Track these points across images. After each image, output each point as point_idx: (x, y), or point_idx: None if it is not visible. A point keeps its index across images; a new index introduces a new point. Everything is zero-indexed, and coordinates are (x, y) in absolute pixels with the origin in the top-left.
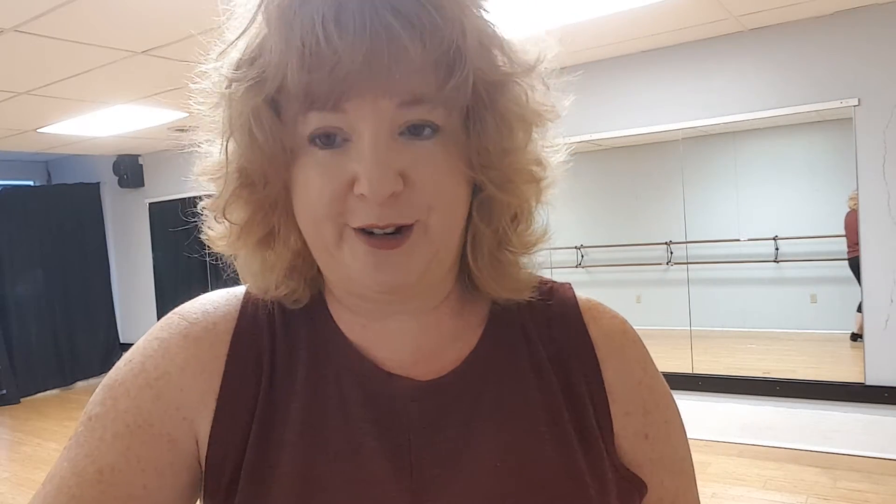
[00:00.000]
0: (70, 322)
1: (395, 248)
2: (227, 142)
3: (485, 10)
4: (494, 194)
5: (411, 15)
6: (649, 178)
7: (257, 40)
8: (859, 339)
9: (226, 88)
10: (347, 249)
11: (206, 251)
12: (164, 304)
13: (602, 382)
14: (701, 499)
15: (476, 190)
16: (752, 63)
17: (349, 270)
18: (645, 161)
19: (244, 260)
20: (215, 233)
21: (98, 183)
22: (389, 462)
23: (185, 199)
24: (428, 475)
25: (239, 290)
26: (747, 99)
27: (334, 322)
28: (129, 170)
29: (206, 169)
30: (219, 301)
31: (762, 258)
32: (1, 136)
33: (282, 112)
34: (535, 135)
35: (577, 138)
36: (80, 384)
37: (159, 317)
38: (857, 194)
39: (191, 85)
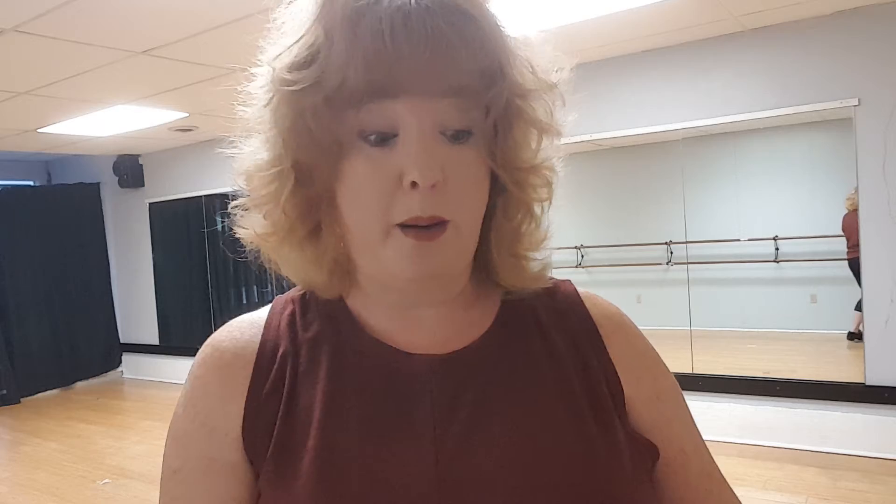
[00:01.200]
0: (70, 322)
1: (433, 240)
2: (283, 138)
3: (516, 30)
4: (515, 194)
5: (464, 30)
6: (649, 178)
7: (314, 46)
8: (856, 339)
9: (282, 86)
10: (391, 244)
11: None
12: (164, 304)
13: (609, 357)
14: None
15: (500, 189)
16: (752, 63)
17: (390, 263)
18: (645, 161)
19: (288, 255)
20: (259, 229)
21: (98, 183)
22: (412, 433)
23: (185, 199)
24: (450, 442)
25: (263, 310)
26: (747, 99)
27: (354, 316)
28: (129, 170)
29: (255, 166)
30: (244, 322)
31: (762, 258)
32: (1, 136)
33: (336, 110)
34: (549, 143)
35: (578, 138)
36: (80, 384)
37: (159, 317)
38: (856, 195)
39: (237, 87)
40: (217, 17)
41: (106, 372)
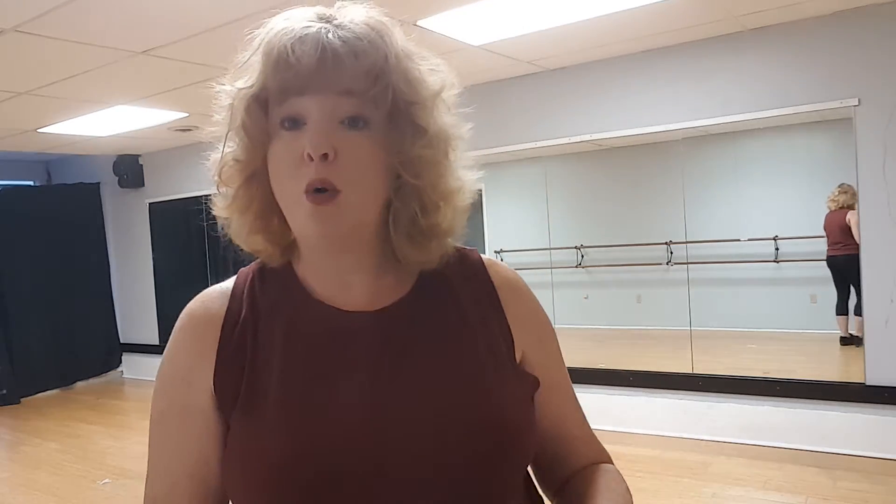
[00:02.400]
0: (70, 322)
1: (326, 205)
2: (228, 134)
3: (410, 53)
4: (407, 181)
5: (349, 40)
6: (649, 178)
7: (249, 63)
8: (851, 344)
9: (232, 92)
10: (299, 209)
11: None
12: (164, 304)
13: (504, 314)
14: (701, 499)
15: (397, 178)
16: (752, 63)
17: (300, 224)
18: (645, 161)
19: (238, 227)
20: (220, 206)
21: (98, 183)
22: (351, 373)
23: (185, 199)
24: (380, 378)
25: (230, 281)
26: (747, 99)
27: (301, 282)
28: (129, 170)
29: (215, 158)
30: (214, 291)
31: (762, 258)
32: (1, 136)
33: (262, 106)
34: (447, 148)
35: (578, 138)
36: (80, 384)
37: (159, 317)
38: (839, 194)
39: (214, 104)
40: (217, 17)
41: (106, 372)
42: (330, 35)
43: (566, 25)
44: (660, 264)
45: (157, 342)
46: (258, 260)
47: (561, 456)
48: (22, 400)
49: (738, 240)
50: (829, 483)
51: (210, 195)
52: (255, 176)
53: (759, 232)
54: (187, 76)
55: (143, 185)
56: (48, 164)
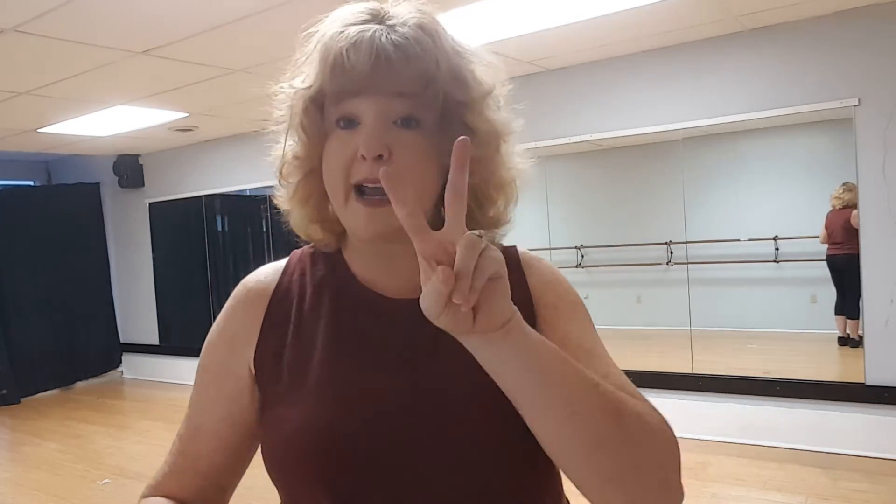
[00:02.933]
0: (70, 322)
1: (378, 207)
2: (289, 131)
3: (461, 52)
4: None
5: (401, 45)
6: (649, 178)
7: (307, 66)
8: (850, 345)
9: (291, 93)
10: (350, 207)
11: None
12: (164, 304)
13: (528, 286)
14: (701, 499)
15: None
16: (752, 63)
17: (350, 223)
18: (645, 161)
19: (297, 216)
20: (280, 196)
21: (98, 183)
22: (392, 358)
23: (185, 199)
24: (420, 364)
25: (284, 260)
26: (747, 99)
27: (348, 267)
28: (129, 170)
29: (277, 154)
30: (269, 267)
31: (762, 258)
32: (1, 136)
33: (318, 107)
34: (498, 144)
35: (578, 138)
36: (80, 384)
37: (159, 317)
38: (841, 192)
39: (274, 101)
40: (217, 17)
41: (106, 372)
42: (383, 39)
43: (566, 25)
44: (660, 264)
45: (156, 342)
46: (311, 244)
47: None
48: (22, 400)
49: (738, 240)
50: (829, 483)
51: (209, 195)
52: (313, 171)
53: (759, 232)
54: (187, 76)
55: (143, 185)
56: (48, 164)
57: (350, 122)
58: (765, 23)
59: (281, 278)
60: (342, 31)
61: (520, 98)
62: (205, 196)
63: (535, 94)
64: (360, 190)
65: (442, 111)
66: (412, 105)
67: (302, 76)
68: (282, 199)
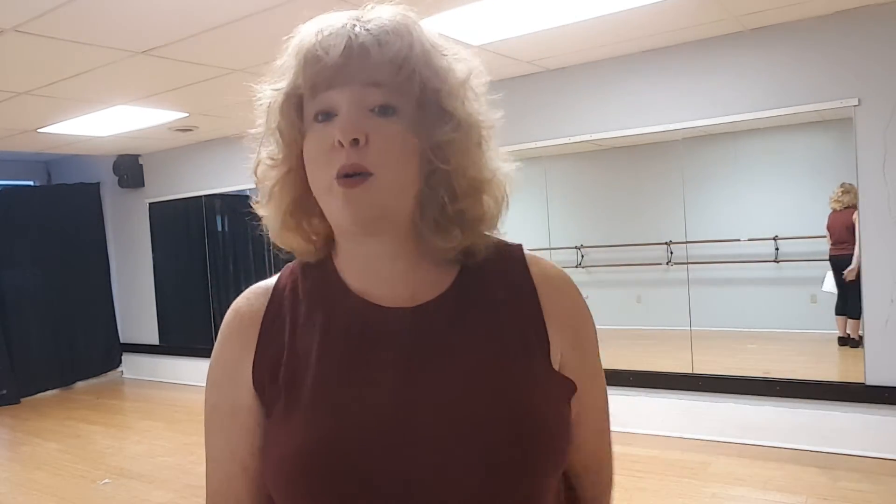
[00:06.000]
0: (70, 322)
1: (356, 187)
2: (265, 133)
3: (436, 45)
4: (437, 167)
5: (373, 30)
6: (649, 178)
7: (283, 66)
8: (850, 345)
9: (269, 93)
10: (333, 196)
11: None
12: (164, 304)
13: (541, 310)
14: (701, 499)
15: (428, 165)
16: (752, 63)
17: (334, 211)
18: (645, 161)
19: (271, 220)
20: (259, 203)
21: (98, 183)
22: (385, 368)
23: (185, 199)
24: (412, 375)
25: (274, 277)
26: (747, 99)
27: (340, 278)
28: (129, 170)
29: (256, 159)
30: (258, 288)
31: (762, 258)
32: (1, 136)
33: (294, 104)
34: (477, 135)
35: (578, 138)
36: (80, 384)
37: (159, 317)
38: (840, 195)
39: (254, 108)
40: (217, 17)
41: (106, 372)
42: (357, 28)
43: (566, 25)
44: (660, 264)
45: (156, 342)
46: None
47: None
48: (22, 400)
49: (738, 240)
50: (829, 483)
51: (209, 195)
52: (290, 174)
53: (759, 232)
54: (187, 76)
55: (143, 185)
56: (48, 164)
57: (327, 116)
58: (765, 23)
59: (272, 297)
60: (317, 29)
61: (520, 98)
62: (205, 196)
63: (535, 94)
64: (339, 177)
65: (419, 100)
66: (388, 93)
67: (279, 80)
68: (258, 206)
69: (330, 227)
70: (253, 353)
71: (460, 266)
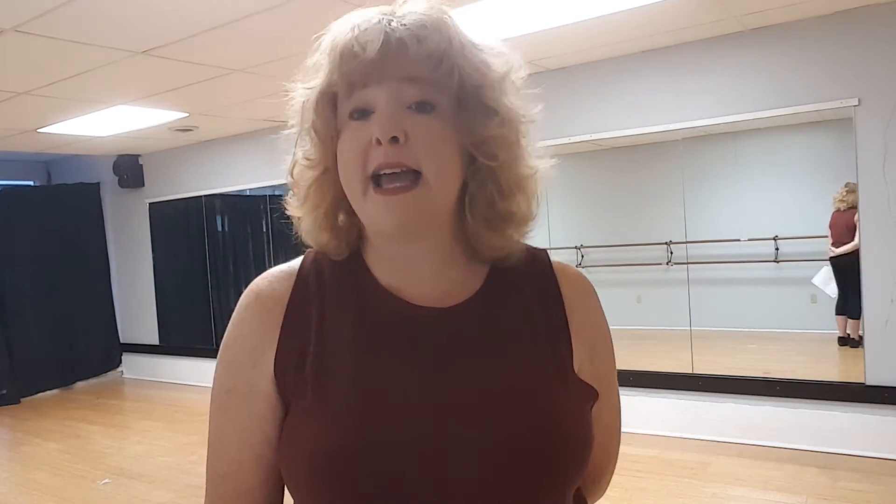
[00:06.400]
0: (70, 322)
1: (398, 195)
2: (300, 134)
3: (473, 42)
4: (483, 164)
5: (410, 24)
6: (649, 178)
7: (316, 65)
8: (850, 345)
9: (303, 99)
10: (369, 201)
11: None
12: (164, 303)
13: (567, 319)
14: (701, 499)
15: (472, 161)
16: (752, 63)
17: (371, 218)
18: (645, 161)
19: (306, 221)
20: (291, 203)
21: (98, 183)
22: (419, 368)
23: (185, 199)
24: (446, 375)
25: (296, 261)
26: (747, 99)
27: (371, 274)
28: (129, 170)
29: (292, 160)
30: (281, 270)
31: (762, 258)
32: (1, 136)
33: (329, 102)
34: (518, 131)
35: (578, 138)
36: (80, 384)
37: (159, 317)
38: (846, 194)
39: (287, 107)
40: (216, 17)
41: (106, 372)
42: (393, 24)
43: (566, 25)
44: (660, 264)
45: (156, 342)
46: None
47: None
48: (22, 400)
49: (738, 240)
50: (829, 483)
51: (209, 195)
52: (326, 174)
53: (759, 232)
54: (187, 76)
55: (143, 185)
56: (48, 164)
57: (363, 113)
58: (765, 23)
59: (296, 284)
60: (350, 25)
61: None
62: (205, 196)
63: (534, 94)
64: (377, 181)
65: (457, 95)
66: (426, 89)
67: (313, 78)
68: (292, 207)
69: (361, 222)
70: (277, 338)
71: (489, 266)
